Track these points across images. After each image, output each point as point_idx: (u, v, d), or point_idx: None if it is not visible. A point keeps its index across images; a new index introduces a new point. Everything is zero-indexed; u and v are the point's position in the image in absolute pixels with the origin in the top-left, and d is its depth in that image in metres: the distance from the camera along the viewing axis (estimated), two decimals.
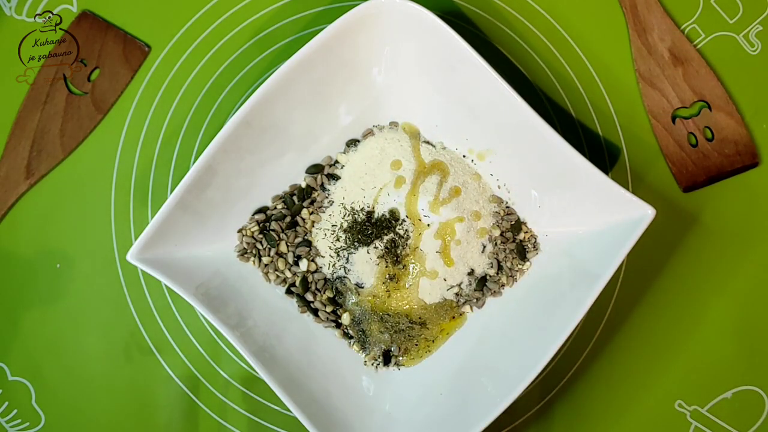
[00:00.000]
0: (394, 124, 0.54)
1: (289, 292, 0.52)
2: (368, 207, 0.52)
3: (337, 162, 0.54)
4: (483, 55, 0.47)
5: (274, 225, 0.52)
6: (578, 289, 0.46)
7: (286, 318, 0.51)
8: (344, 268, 0.52)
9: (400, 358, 0.52)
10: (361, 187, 0.53)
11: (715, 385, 0.54)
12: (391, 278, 0.52)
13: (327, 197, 0.53)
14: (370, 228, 0.51)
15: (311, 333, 0.52)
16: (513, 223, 0.52)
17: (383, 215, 0.52)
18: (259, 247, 0.52)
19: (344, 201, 0.53)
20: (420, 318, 0.52)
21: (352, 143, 0.54)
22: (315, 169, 0.54)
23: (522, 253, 0.52)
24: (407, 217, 0.52)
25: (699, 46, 0.56)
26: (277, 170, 0.53)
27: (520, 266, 0.52)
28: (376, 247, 0.51)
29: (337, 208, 0.53)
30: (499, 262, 0.52)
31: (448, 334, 0.52)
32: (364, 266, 0.52)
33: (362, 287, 0.52)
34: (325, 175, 0.54)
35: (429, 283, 0.51)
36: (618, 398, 0.54)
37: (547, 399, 0.54)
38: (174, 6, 0.57)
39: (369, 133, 0.54)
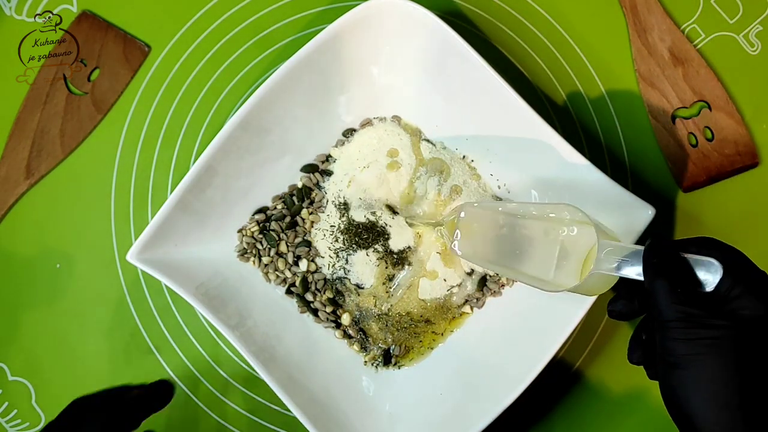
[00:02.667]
0: (396, 118, 0.54)
1: (289, 292, 0.52)
2: (366, 210, 0.52)
3: (330, 157, 0.54)
4: (483, 55, 0.47)
5: (274, 225, 0.52)
6: None
7: (286, 318, 0.51)
8: (344, 268, 0.52)
9: (400, 358, 0.52)
10: (350, 174, 0.52)
11: None
12: (390, 279, 0.52)
13: (324, 196, 0.53)
14: (366, 233, 0.51)
15: (311, 333, 0.52)
16: None
17: (382, 223, 0.51)
18: (259, 247, 0.52)
19: (339, 195, 0.52)
20: (420, 318, 0.52)
21: (349, 132, 0.54)
22: (309, 168, 0.54)
23: None
24: (406, 218, 0.52)
25: (699, 46, 0.56)
26: (277, 170, 0.53)
27: None
28: (375, 250, 0.51)
29: (333, 208, 0.53)
30: None
31: (449, 333, 0.52)
32: (364, 267, 0.52)
33: (362, 288, 0.52)
34: (320, 173, 0.53)
35: (429, 283, 0.51)
36: (618, 398, 0.54)
37: (546, 399, 0.54)
38: (174, 6, 0.57)
39: (368, 123, 0.54)
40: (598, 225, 0.39)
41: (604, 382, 0.54)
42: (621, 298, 0.39)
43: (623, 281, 0.38)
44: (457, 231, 0.46)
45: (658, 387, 0.54)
